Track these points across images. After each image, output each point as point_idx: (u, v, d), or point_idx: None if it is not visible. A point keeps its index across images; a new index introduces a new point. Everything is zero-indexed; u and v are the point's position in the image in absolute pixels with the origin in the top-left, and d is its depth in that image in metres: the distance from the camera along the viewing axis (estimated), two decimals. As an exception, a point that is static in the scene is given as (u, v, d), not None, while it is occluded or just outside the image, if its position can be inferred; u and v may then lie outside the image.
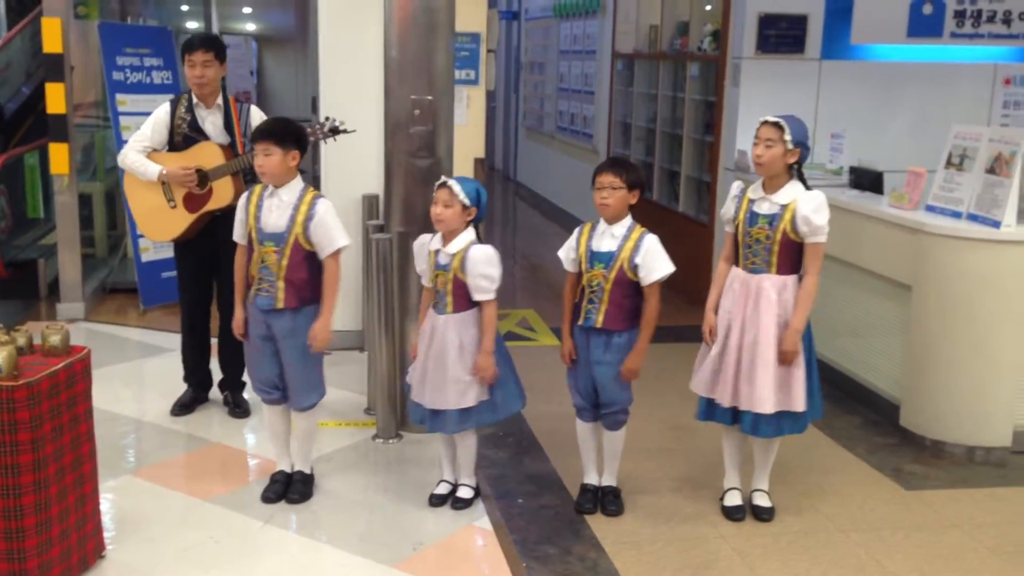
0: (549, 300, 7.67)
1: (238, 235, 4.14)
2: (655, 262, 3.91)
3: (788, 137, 3.86)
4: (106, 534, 3.70)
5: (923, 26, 7.18)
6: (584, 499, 4.20)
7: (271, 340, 4.07)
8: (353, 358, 5.94)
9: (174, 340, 5.39)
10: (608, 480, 4.24)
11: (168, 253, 6.67)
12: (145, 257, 6.95)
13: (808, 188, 3.94)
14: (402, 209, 4.77)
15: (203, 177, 4.81)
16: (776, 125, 3.88)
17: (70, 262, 6.74)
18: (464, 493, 4.19)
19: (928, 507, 4.34)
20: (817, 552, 3.91)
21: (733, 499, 4.19)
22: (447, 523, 4.05)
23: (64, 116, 6.52)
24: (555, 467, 4.61)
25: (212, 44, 4.88)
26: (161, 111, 4.93)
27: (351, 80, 5.89)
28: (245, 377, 5.05)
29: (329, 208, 3.99)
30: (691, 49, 8.15)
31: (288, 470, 4.25)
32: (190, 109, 4.89)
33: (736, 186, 4.13)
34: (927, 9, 7.17)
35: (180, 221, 4.90)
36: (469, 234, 3.96)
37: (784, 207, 3.90)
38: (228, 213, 4.36)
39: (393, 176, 4.79)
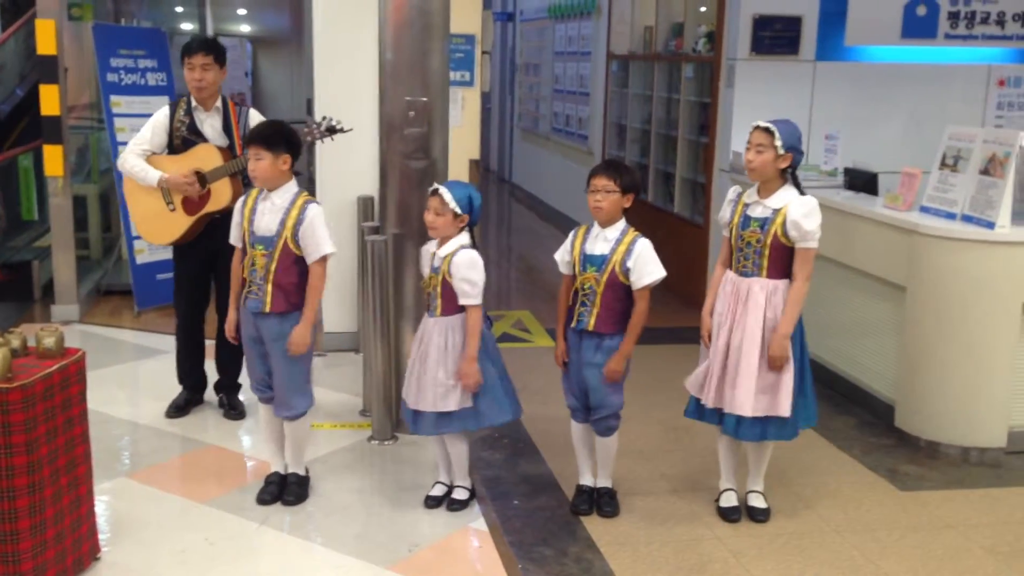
0: (544, 301, 7.66)
1: (234, 238, 4.16)
2: (646, 266, 3.91)
3: (779, 142, 3.86)
4: (101, 536, 3.69)
5: (917, 27, 7.20)
6: (580, 500, 4.20)
7: (261, 342, 4.08)
8: (348, 360, 5.94)
9: (169, 342, 5.38)
10: (603, 482, 4.24)
11: (162, 255, 6.68)
12: (140, 259, 6.94)
13: (802, 193, 3.94)
14: (397, 211, 4.77)
15: (201, 179, 4.81)
16: (767, 130, 3.88)
17: (64, 264, 6.73)
18: (460, 495, 4.19)
19: (923, 508, 4.34)
20: (812, 553, 3.91)
21: (729, 500, 4.19)
22: (443, 525, 4.05)
23: (58, 118, 6.52)
24: (551, 468, 4.61)
25: (212, 47, 4.87)
26: (160, 114, 4.93)
27: (346, 82, 5.90)
28: (240, 379, 5.05)
29: (319, 213, 3.98)
30: (686, 50, 8.16)
31: (282, 471, 4.25)
32: (189, 112, 4.89)
33: (733, 190, 4.15)
34: (921, 11, 7.18)
35: (179, 224, 4.90)
36: (461, 238, 3.97)
37: (776, 211, 3.90)
38: (227, 216, 4.36)
39: (388, 178, 4.79)
